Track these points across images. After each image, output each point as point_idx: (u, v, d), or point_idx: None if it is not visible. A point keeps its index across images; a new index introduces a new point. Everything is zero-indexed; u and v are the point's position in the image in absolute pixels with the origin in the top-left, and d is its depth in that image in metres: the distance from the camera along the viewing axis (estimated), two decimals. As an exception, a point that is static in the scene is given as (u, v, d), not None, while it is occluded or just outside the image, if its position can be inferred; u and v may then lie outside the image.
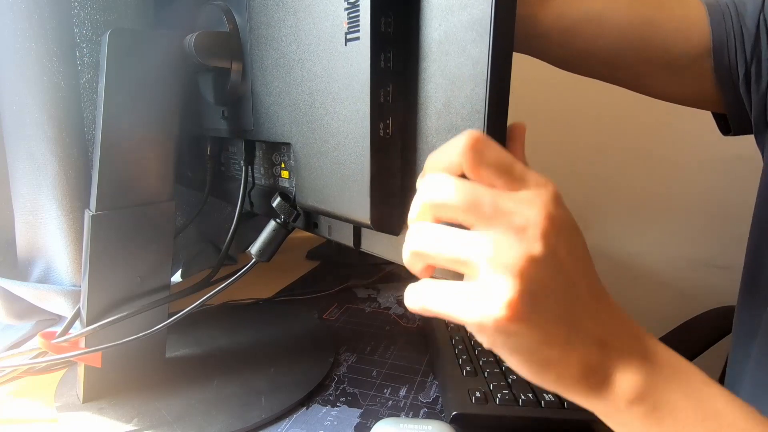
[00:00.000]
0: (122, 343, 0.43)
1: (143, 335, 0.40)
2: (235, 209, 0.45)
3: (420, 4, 0.29)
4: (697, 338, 0.79)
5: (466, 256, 0.22)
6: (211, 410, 0.42)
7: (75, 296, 0.48)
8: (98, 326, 0.41)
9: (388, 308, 0.66)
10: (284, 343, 0.50)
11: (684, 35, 0.43)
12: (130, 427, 0.40)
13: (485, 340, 0.23)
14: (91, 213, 0.39)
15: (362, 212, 0.32)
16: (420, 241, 0.24)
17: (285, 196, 0.40)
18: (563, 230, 0.22)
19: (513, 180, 0.23)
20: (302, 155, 0.37)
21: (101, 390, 0.43)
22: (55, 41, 0.43)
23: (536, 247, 0.21)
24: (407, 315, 0.63)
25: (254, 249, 0.41)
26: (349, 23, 0.30)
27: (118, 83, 0.38)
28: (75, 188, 0.47)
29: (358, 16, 0.29)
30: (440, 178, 0.23)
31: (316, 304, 0.66)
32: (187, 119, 0.45)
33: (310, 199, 0.38)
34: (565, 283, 0.22)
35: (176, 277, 0.70)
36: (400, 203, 0.32)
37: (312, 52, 0.34)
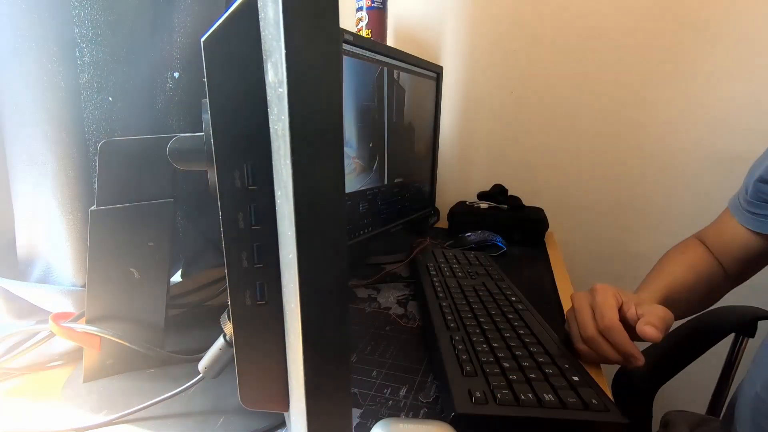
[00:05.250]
0: (119, 343, 0.43)
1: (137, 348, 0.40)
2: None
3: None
4: (697, 338, 0.79)
5: None
6: (176, 419, 0.40)
7: (75, 296, 0.48)
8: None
9: (388, 308, 0.65)
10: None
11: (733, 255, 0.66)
12: (87, 413, 0.40)
13: None
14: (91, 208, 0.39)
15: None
16: None
17: None
18: None
19: None
20: None
21: (99, 373, 0.45)
22: (55, 41, 0.43)
23: None
24: (407, 315, 0.63)
25: (201, 365, 0.39)
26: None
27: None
28: (75, 188, 0.46)
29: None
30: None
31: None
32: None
33: None
34: None
35: (176, 277, 0.70)
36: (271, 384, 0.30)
37: None
